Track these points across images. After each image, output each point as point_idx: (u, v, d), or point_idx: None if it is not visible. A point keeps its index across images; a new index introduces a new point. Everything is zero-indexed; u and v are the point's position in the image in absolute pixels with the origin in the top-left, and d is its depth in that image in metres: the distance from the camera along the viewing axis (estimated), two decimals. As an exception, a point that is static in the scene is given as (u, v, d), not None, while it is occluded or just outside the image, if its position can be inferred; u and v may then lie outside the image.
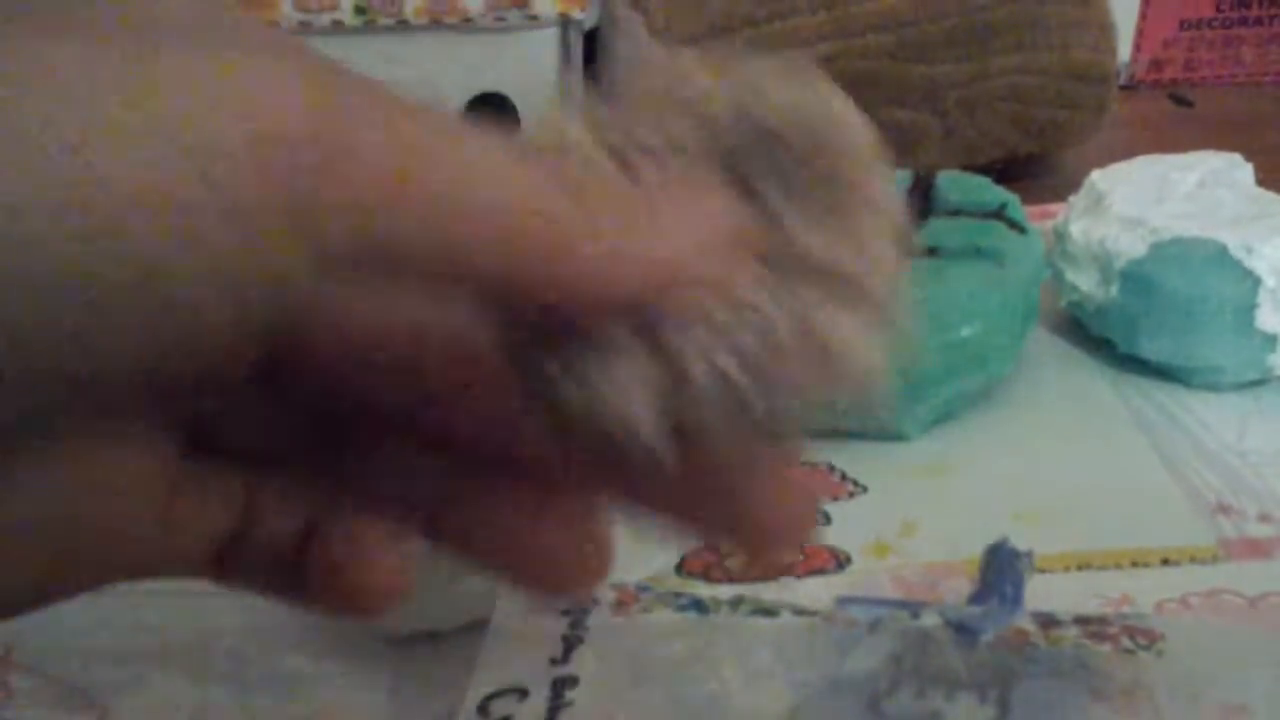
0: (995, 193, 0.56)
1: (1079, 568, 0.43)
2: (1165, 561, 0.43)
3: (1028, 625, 0.37)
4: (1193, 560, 0.43)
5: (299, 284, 0.17)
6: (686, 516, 0.23)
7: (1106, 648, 0.37)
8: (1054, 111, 0.69)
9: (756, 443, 0.20)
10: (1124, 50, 0.82)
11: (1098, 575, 0.42)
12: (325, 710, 0.38)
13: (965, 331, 0.49)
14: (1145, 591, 0.41)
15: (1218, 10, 0.83)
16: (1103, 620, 0.38)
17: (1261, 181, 0.56)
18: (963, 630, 0.37)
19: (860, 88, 0.76)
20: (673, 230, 0.19)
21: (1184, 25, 0.84)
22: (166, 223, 0.16)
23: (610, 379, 0.19)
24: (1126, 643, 0.37)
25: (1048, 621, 0.38)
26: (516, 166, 0.18)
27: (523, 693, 0.37)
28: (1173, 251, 0.51)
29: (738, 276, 0.19)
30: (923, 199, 0.57)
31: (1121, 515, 0.45)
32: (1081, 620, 0.38)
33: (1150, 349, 0.52)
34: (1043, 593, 0.40)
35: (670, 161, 0.20)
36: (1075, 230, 0.54)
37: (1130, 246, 0.52)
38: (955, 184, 0.57)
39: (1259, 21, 0.84)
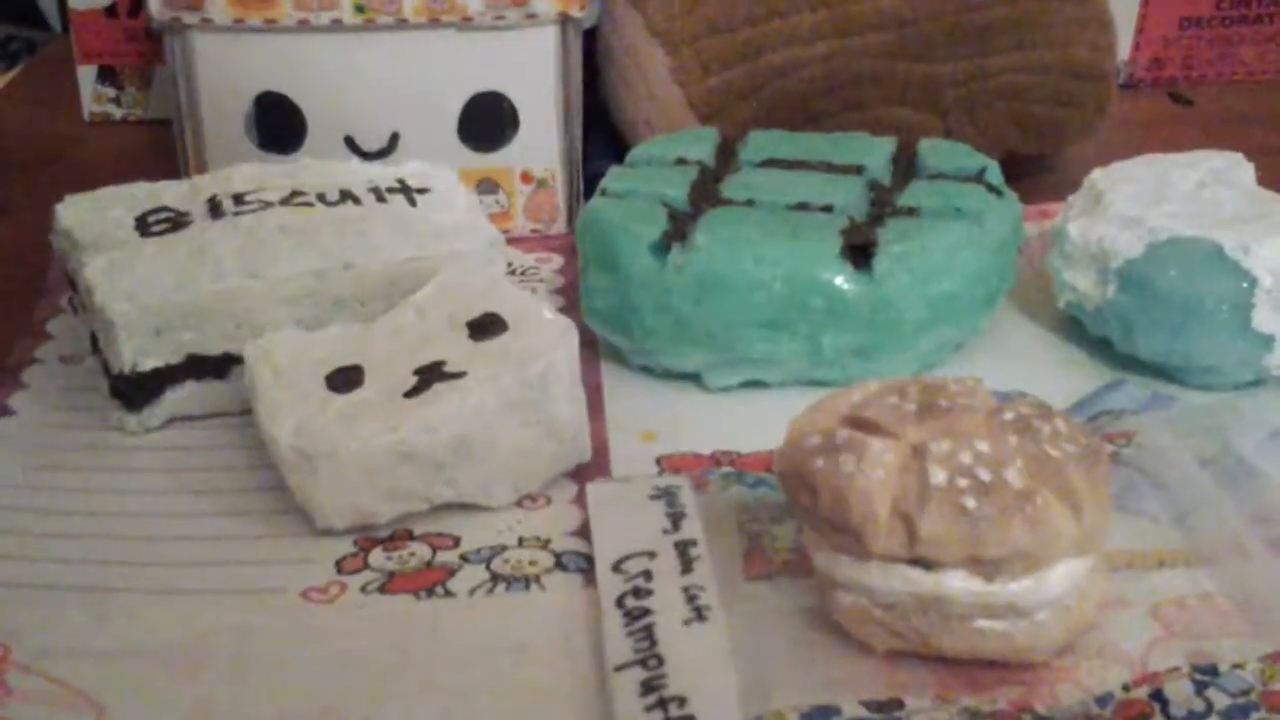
0: (975, 158, 0.58)
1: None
2: (1161, 563, 0.43)
3: None
4: (1186, 564, 0.43)
5: None
6: None
7: None
8: (1053, 110, 0.69)
9: None
10: (1123, 49, 0.82)
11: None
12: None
13: (945, 285, 0.52)
14: (1142, 592, 0.42)
15: (1217, 9, 0.83)
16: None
17: (1261, 181, 0.56)
18: None
19: (859, 86, 0.75)
20: None
21: (1184, 24, 0.84)
22: None
23: None
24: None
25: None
26: None
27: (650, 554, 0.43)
28: (1169, 251, 0.51)
29: None
30: (907, 164, 0.59)
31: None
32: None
33: (1146, 349, 0.52)
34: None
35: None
36: (1073, 230, 0.54)
37: (1127, 246, 0.52)
38: (937, 150, 0.59)
39: (1259, 20, 0.84)
